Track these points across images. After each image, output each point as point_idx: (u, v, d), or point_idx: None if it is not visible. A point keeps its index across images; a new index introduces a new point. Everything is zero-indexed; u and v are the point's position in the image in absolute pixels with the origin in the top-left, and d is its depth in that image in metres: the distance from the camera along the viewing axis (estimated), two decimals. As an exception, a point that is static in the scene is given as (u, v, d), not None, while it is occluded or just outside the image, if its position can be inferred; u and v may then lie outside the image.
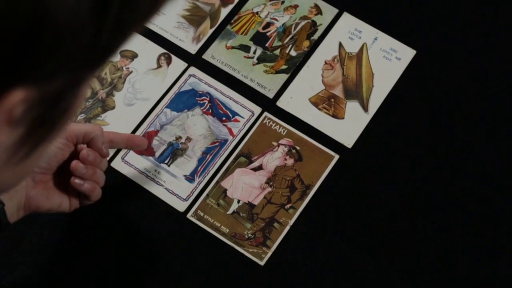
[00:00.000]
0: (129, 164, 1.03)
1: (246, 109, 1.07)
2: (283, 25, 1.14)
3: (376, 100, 1.08)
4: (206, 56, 1.11)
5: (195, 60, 1.11)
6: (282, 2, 1.15)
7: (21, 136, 0.43)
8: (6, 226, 0.85)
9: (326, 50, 1.12)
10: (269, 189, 1.02)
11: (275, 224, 1.00)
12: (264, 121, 1.06)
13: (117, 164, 1.03)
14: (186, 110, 1.07)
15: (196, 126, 1.06)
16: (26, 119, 0.42)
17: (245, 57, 1.11)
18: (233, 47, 1.12)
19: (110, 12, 0.38)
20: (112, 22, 0.39)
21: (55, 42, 0.37)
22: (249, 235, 0.99)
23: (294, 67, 1.10)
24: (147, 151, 1.04)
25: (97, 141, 0.88)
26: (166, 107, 1.07)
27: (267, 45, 1.12)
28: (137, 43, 1.12)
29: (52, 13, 0.36)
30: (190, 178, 1.03)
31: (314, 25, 1.13)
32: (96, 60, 0.42)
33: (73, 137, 0.87)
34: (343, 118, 1.07)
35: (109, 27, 0.39)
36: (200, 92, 1.08)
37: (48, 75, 0.39)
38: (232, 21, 1.14)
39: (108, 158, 0.94)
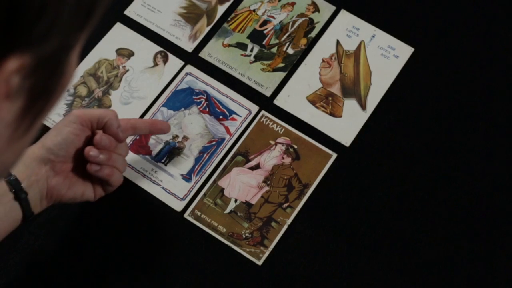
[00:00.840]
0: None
1: (243, 107, 1.07)
2: (280, 22, 1.13)
3: (374, 98, 1.07)
4: (203, 54, 1.11)
5: (192, 58, 1.11)
6: (279, 0, 1.14)
7: (21, 109, 0.43)
8: (30, 216, 0.85)
9: (324, 48, 1.11)
10: (267, 188, 1.01)
11: (273, 224, 0.99)
12: (262, 120, 1.05)
13: (113, 164, 1.03)
14: (183, 109, 1.07)
15: (193, 124, 1.06)
16: (23, 90, 0.42)
17: (242, 55, 1.11)
18: (230, 45, 1.11)
19: None
20: None
21: (41, 3, 0.38)
22: (247, 234, 0.99)
23: (292, 65, 1.10)
24: (144, 150, 1.03)
25: (112, 126, 0.88)
26: (163, 105, 1.07)
27: (264, 43, 1.12)
28: (133, 41, 1.11)
29: None
30: (187, 177, 1.02)
31: (311, 22, 1.13)
32: (84, 20, 0.43)
33: (88, 122, 0.87)
34: (340, 116, 1.07)
35: None
36: (197, 91, 1.08)
37: (40, 39, 0.40)
38: (229, 19, 1.13)
39: (127, 142, 0.94)
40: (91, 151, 0.87)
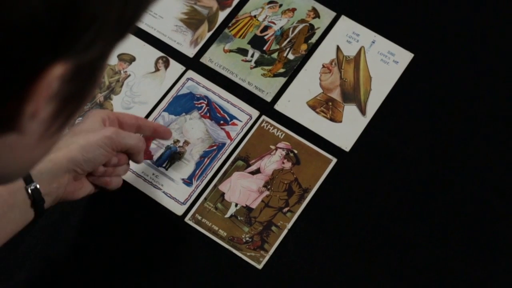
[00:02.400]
0: (127, 168, 1.03)
1: (244, 112, 1.07)
2: (280, 28, 1.14)
3: (373, 104, 1.08)
4: (204, 59, 1.11)
5: (193, 63, 1.11)
6: (280, 6, 1.15)
7: (54, 111, 0.46)
8: (40, 217, 0.87)
9: (324, 54, 1.12)
10: (267, 192, 1.02)
11: (273, 228, 1.00)
12: (262, 125, 1.06)
13: (115, 168, 1.03)
14: (184, 114, 1.07)
15: (194, 129, 1.06)
16: (60, 94, 0.44)
17: (243, 60, 1.11)
18: (231, 51, 1.12)
19: None
20: None
21: (92, 15, 0.41)
22: (247, 238, 0.99)
23: (292, 71, 1.10)
24: (145, 155, 1.04)
25: (137, 156, 0.93)
26: (164, 110, 1.07)
27: (265, 48, 1.12)
28: (135, 46, 1.12)
29: None
30: (188, 181, 1.03)
31: (311, 28, 1.14)
32: (123, 30, 0.46)
33: (119, 148, 0.90)
34: (340, 121, 1.07)
35: (132, 3, 0.44)
36: (198, 96, 1.08)
37: (84, 48, 0.42)
38: (230, 24, 1.14)
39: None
40: (100, 167, 0.91)
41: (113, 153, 0.90)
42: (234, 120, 1.07)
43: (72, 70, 0.43)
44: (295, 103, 1.08)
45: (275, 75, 1.10)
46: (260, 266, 0.98)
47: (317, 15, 1.14)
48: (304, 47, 1.12)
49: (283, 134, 1.06)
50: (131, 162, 0.95)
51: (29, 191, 0.84)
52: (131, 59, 1.11)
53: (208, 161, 1.04)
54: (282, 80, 1.10)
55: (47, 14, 0.39)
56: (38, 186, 0.84)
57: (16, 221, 0.85)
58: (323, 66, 1.11)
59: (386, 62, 1.11)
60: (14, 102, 0.42)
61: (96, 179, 0.92)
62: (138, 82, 1.10)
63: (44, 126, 0.47)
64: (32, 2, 0.38)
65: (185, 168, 1.04)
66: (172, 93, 1.09)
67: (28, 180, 0.84)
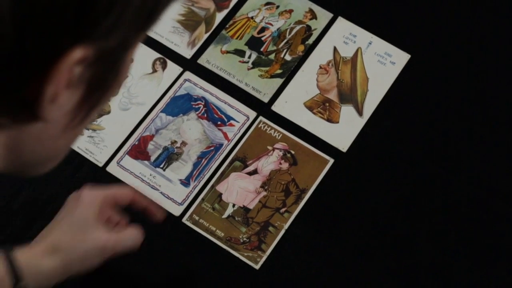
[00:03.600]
0: (125, 169, 1.03)
1: (241, 113, 1.08)
2: (278, 29, 1.14)
3: (370, 104, 1.08)
4: (201, 60, 1.12)
5: (190, 64, 1.11)
6: (277, 7, 1.16)
7: (79, 99, 0.46)
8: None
9: (321, 55, 1.12)
10: (264, 193, 1.02)
11: (270, 228, 1.00)
12: (259, 126, 1.06)
13: (112, 169, 1.04)
14: (181, 115, 1.08)
15: (191, 130, 1.07)
16: (83, 80, 0.45)
17: (240, 61, 1.12)
18: (228, 52, 1.12)
19: None
20: None
21: (112, 0, 0.42)
22: (244, 239, 0.99)
23: (289, 72, 1.11)
24: (143, 156, 1.04)
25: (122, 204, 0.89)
26: (162, 111, 1.08)
27: (262, 49, 1.13)
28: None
29: None
30: (185, 182, 1.03)
31: (308, 29, 1.14)
32: (144, 21, 0.46)
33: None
34: (337, 122, 1.07)
35: None
36: (195, 97, 1.09)
37: (105, 33, 0.43)
38: (227, 25, 1.14)
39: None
40: None
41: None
42: (232, 121, 1.07)
43: (93, 56, 0.43)
44: (292, 104, 1.08)
45: (272, 76, 1.10)
46: (257, 266, 0.98)
47: (314, 16, 1.15)
48: (301, 48, 1.12)
49: (280, 135, 1.06)
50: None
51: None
52: (129, 61, 1.11)
53: (206, 161, 1.04)
54: (279, 81, 1.10)
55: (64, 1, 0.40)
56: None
57: None
58: (320, 67, 1.11)
59: (383, 63, 1.11)
60: (35, 84, 0.43)
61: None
62: (136, 83, 1.10)
63: (68, 117, 0.48)
64: None
65: (183, 168, 1.04)
66: (170, 94, 1.09)
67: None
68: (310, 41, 1.13)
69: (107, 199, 0.86)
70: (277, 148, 1.05)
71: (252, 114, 1.07)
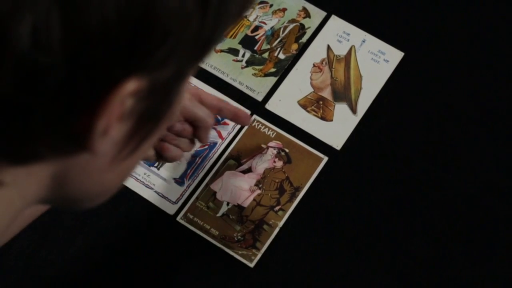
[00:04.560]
0: (119, 168, 1.03)
1: (235, 112, 1.08)
2: (271, 28, 1.14)
3: (364, 102, 1.09)
4: (195, 59, 1.12)
5: (184, 63, 1.11)
6: (271, 6, 1.16)
7: (129, 130, 0.44)
8: None
9: (315, 53, 1.12)
10: (258, 191, 1.02)
11: (265, 226, 1.00)
12: (253, 124, 1.06)
13: (106, 168, 1.04)
14: (175, 114, 1.07)
15: (186, 129, 1.07)
16: (134, 112, 0.43)
17: (234, 60, 1.12)
18: (222, 51, 1.13)
19: (212, 2, 0.42)
20: (213, 12, 0.42)
21: (166, 30, 0.40)
22: (239, 237, 0.99)
23: (283, 70, 1.11)
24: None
25: (202, 131, 0.86)
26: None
27: (255, 48, 1.13)
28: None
29: (163, 3, 0.39)
30: (180, 181, 1.03)
31: (302, 28, 1.14)
32: (199, 52, 0.44)
33: (187, 115, 0.85)
34: (331, 120, 1.08)
35: (210, 17, 0.42)
36: (189, 96, 1.09)
37: (159, 64, 0.41)
38: (221, 24, 1.14)
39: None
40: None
41: (180, 118, 0.85)
42: (225, 120, 1.07)
43: (146, 88, 0.41)
44: (286, 102, 1.09)
45: (266, 75, 1.11)
46: (252, 265, 0.98)
47: (307, 14, 1.15)
48: (294, 46, 1.13)
49: (274, 133, 1.06)
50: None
51: None
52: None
53: (200, 160, 1.04)
54: (273, 80, 1.10)
55: (119, 24, 0.38)
56: None
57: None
58: (314, 66, 1.11)
59: (376, 61, 1.12)
60: (86, 117, 0.40)
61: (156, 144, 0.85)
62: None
63: (117, 148, 0.45)
64: (104, 9, 0.37)
65: (177, 167, 1.04)
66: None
67: None
68: (304, 39, 1.13)
69: (192, 91, 0.85)
70: (271, 147, 1.05)
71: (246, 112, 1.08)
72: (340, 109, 1.08)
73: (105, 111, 0.40)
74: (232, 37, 1.14)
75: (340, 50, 1.12)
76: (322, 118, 1.08)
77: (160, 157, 0.87)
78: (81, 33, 0.37)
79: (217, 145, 1.05)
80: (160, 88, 0.43)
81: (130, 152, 0.47)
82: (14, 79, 0.37)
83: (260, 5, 1.16)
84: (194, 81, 1.09)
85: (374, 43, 1.13)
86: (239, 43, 1.13)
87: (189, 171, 1.04)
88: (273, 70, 1.11)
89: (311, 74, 1.11)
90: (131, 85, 0.40)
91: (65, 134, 0.42)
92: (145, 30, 0.39)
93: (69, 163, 0.46)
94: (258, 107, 1.08)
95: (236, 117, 0.94)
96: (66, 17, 0.37)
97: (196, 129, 0.87)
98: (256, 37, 1.14)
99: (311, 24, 1.14)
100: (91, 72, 0.39)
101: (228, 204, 1.02)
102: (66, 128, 0.41)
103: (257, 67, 1.11)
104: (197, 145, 1.05)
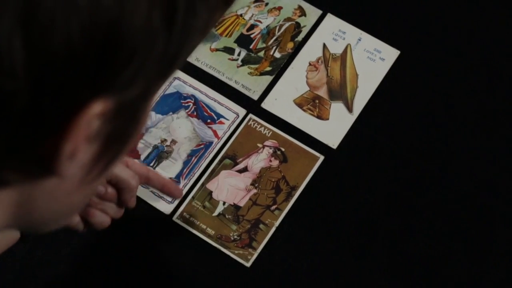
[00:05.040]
0: (114, 168, 1.03)
1: (230, 111, 1.07)
2: (267, 27, 1.14)
3: (360, 101, 1.08)
4: (191, 58, 1.11)
5: (180, 62, 1.11)
6: (266, 4, 1.15)
7: (96, 152, 0.43)
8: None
9: (310, 52, 1.12)
10: (255, 190, 1.02)
11: (261, 226, 1.00)
12: (249, 123, 1.06)
13: (102, 168, 1.03)
14: (171, 113, 1.07)
15: (181, 128, 1.06)
16: (102, 134, 0.42)
17: (229, 59, 1.12)
18: (217, 50, 1.12)
19: (177, 19, 0.40)
20: (179, 29, 0.41)
21: (132, 49, 0.39)
22: (235, 236, 0.99)
23: (279, 69, 1.11)
24: (132, 154, 1.04)
25: (126, 194, 0.84)
26: (151, 110, 1.07)
27: (251, 47, 1.12)
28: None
29: (128, 22, 0.38)
30: (176, 180, 1.03)
31: (298, 26, 1.14)
32: (167, 69, 0.43)
33: (108, 177, 0.82)
34: (327, 119, 1.07)
35: (177, 34, 0.41)
36: (185, 95, 1.09)
37: (126, 84, 0.40)
38: (216, 23, 1.14)
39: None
40: None
41: (102, 181, 0.81)
42: (221, 119, 1.07)
43: (113, 109, 0.40)
44: (282, 101, 1.08)
45: (261, 74, 1.10)
46: (248, 264, 0.98)
47: (303, 13, 1.15)
48: (290, 45, 1.12)
49: (270, 132, 1.06)
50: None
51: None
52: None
53: (196, 160, 1.04)
54: (268, 79, 1.10)
55: (84, 44, 0.37)
56: None
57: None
58: (310, 64, 1.11)
59: (372, 60, 1.11)
60: (52, 141, 0.39)
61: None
62: (125, 82, 1.10)
63: (85, 171, 0.44)
64: (67, 29, 0.36)
65: (173, 167, 1.04)
66: (159, 92, 1.09)
67: None
68: (300, 38, 1.13)
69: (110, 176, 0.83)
70: (267, 146, 1.05)
71: (242, 111, 1.07)
72: (336, 108, 1.08)
73: (72, 133, 0.39)
74: (228, 35, 1.13)
75: (336, 48, 1.12)
76: (318, 117, 1.07)
77: (87, 224, 0.85)
78: (45, 55, 0.36)
79: (213, 145, 1.05)
80: (127, 107, 0.42)
81: (98, 174, 0.46)
82: None
83: (255, 4, 1.15)
84: (191, 81, 1.09)
85: (370, 42, 1.13)
86: (235, 41, 1.13)
87: (185, 170, 1.03)
88: (268, 68, 1.11)
89: (307, 73, 1.11)
90: (98, 107, 0.39)
91: (31, 159, 0.41)
92: (111, 50, 0.38)
93: (36, 188, 0.45)
94: (253, 106, 1.08)
95: (165, 189, 0.92)
96: (29, 39, 0.35)
97: (120, 192, 0.84)
98: (252, 36, 1.13)
99: (306, 22, 1.14)
100: (57, 95, 0.38)
101: (224, 203, 1.01)
102: (33, 152, 0.40)
103: (252, 66, 1.11)
104: (193, 145, 1.04)
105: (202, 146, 1.05)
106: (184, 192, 1.02)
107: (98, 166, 0.45)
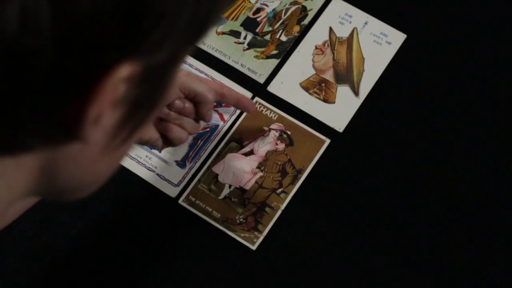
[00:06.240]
0: (120, 150, 1.03)
1: (237, 94, 1.07)
2: (273, 10, 1.13)
3: (366, 84, 1.08)
4: (197, 42, 1.11)
5: (186, 46, 1.11)
6: (272, -13, 1.15)
7: (121, 118, 0.42)
8: None
9: (317, 35, 1.11)
10: (260, 174, 1.02)
11: (267, 209, 1.00)
12: (255, 106, 1.06)
13: (108, 151, 1.03)
14: (177, 96, 1.07)
15: (187, 112, 1.06)
16: (127, 99, 0.41)
17: (235, 42, 1.11)
18: (223, 33, 1.12)
19: None
20: None
21: (160, 13, 0.38)
22: (241, 219, 0.99)
23: (285, 52, 1.10)
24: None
25: (203, 107, 0.86)
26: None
27: (257, 30, 1.12)
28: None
29: None
30: (182, 163, 1.03)
31: (304, 10, 1.13)
32: (195, 35, 0.42)
33: (186, 91, 0.84)
34: (334, 102, 1.07)
35: (205, 1, 0.41)
36: (191, 78, 1.08)
37: (153, 48, 0.39)
38: (222, 6, 1.14)
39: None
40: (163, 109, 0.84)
41: (180, 94, 0.84)
42: (227, 102, 1.06)
43: (140, 73, 0.40)
44: (288, 84, 1.08)
45: (268, 57, 1.10)
46: (254, 247, 0.98)
47: (309, -4, 1.14)
48: (296, 28, 1.12)
49: (276, 116, 1.06)
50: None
51: None
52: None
53: (202, 143, 1.04)
54: (275, 62, 1.10)
55: (111, 7, 0.36)
56: None
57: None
58: (316, 48, 1.11)
59: (379, 43, 1.11)
60: (77, 104, 0.39)
61: (158, 123, 0.84)
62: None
63: (109, 137, 0.43)
64: None
65: (179, 150, 1.04)
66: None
67: None
68: (306, 21, 1.12)
69: (191, 74, 0.84)
70: (273, 129, 1.05)
71: (248, 95, 1.07)
72: (343, 91, 1.08)
73: (97, 97, 0.39)
74: (234, 19, 1.13)
75: (342, 32, 1.12)
76: (324, 100, 1.07)
77: (165, 140, 0.86)
78: (71, 15, 0.35)
79: (219, 128, 1.05)
80: (154, 72, 0.42)
81: (122, 141, 0.45)
82: (1, 65, 0.36)
83: (261, -13, 1.15)
84: (197, 65, 1.09)
85: (377, 25, 1.12)
86: (241, 25, 1.12)
87: (190, 153, 1.03)
88: (275, 52, 1.10)
89: (313, 56, 1.10)
90: (125, 70, 0.38)
91: (56, 123, 0.40)
92: (138, 11, 0.37)
93: (59, 153, 0.44)
94: (260, 89, 1.08)
95: (239, 104, 0.93)
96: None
97: (197, 106, 0.86)
98: (258, 19, 1.13)
99: (313, 6, 1.14)
100: (83, 57, 0.37)
101: (230, 186, 1.01)
102: (57, 116, 0.39)
103: (259, 49, 1.10)
104: (202, 125, 1.04)
105: (208, 129, 1.05)
106: (190, 175, 1.02)
107: (122, 133, 0.44)
